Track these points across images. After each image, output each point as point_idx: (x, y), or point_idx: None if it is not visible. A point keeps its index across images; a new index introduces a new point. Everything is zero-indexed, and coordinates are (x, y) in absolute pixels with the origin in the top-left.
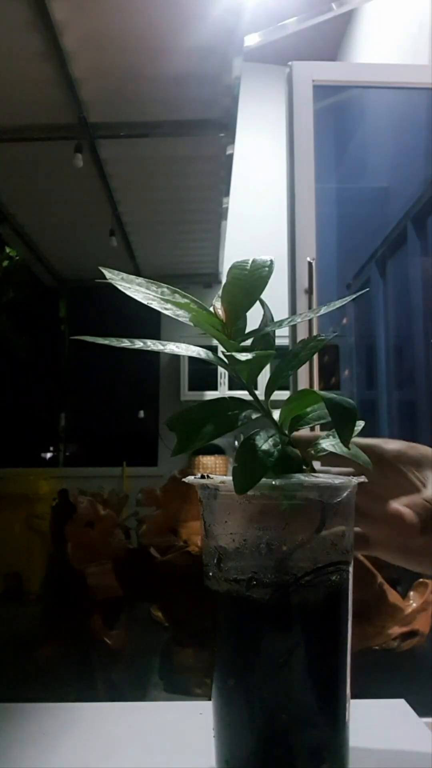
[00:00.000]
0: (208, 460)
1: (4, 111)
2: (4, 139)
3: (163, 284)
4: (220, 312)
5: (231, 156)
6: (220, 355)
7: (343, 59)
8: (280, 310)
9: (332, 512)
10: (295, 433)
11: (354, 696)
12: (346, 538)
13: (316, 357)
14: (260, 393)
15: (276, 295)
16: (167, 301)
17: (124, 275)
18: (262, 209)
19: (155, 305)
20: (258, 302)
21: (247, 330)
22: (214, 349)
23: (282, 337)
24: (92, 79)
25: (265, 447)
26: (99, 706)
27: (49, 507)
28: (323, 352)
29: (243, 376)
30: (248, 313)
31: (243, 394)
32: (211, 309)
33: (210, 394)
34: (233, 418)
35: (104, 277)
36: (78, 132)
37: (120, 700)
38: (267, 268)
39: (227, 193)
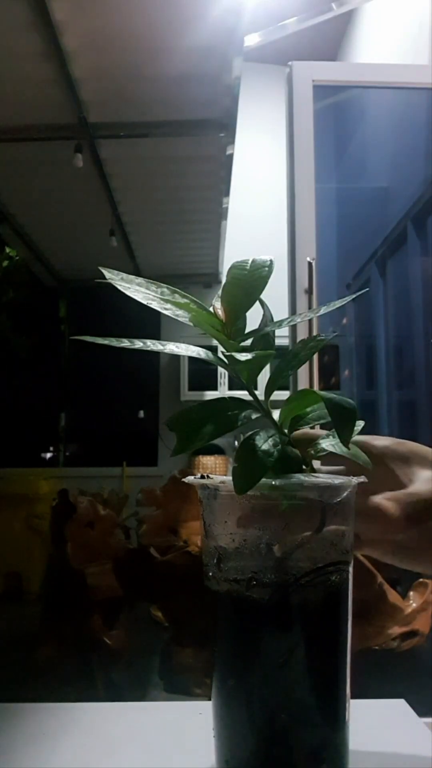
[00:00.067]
0: (208, 460)
1: (4, 111)
2: (4, 139)
3: (163, 284)
4: (220, 312)
5: (231, 156)
6: (220, 355)
7: (343, 59)
8: (280, 310)
9: (332, 512)
10: (295, 433)
11: (354, 696)
12: (346, 538)
13: (316, 357)
14: (260, 393)
15: (276, 295)
16: (167, 301)
17: (124, 275)
18: (262, 209)
19: (155, 305)
20: (258, 302)
21: (247, 330)
22: (214, 349)
23: (282, 337)
24: (92, 79)
25: (265, 447)
26: (99, 706)
27: (49, 507)
28: (323, 352)
29: (243, 376)
30: (248, 313)
31: (243, 394)
32: (211, 309)
33: (210, 394)
34: (233, 418)
35: (104, 277)
36: (78, 132)
37: (120, 700)
38: (267, 268)
39: (227, 193)
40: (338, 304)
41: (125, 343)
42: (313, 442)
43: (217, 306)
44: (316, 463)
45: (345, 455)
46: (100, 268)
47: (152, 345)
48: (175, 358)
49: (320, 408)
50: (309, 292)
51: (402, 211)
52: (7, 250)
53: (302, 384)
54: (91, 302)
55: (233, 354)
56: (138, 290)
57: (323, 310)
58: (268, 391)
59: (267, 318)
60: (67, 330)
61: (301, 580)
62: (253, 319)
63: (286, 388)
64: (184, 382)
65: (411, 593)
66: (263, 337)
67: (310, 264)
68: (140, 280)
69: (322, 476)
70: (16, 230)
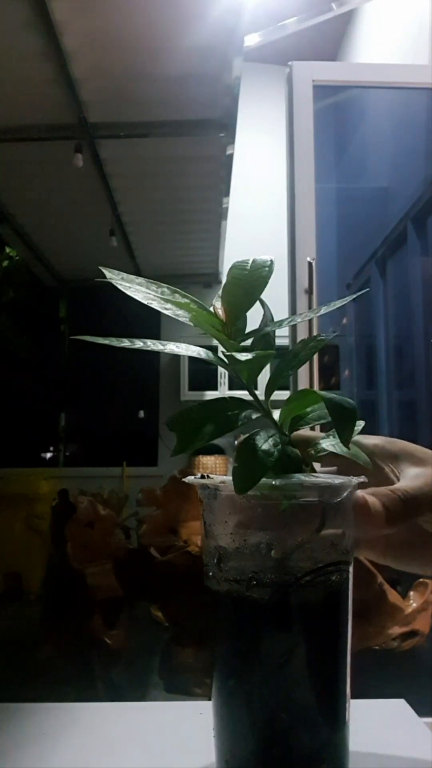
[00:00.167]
0: (208, 460)
1: (4, 111)
2: (4, 139)
3: (163, 284)
4: (220, 312)
5: (231, 156)
6: (220, 355)
7: (343, 59)
8: (280, 310)
9: (332, 512)
10: (295, 433)
11: (354, 696)
12: (346, 538)
13: (316, 357)
14: (260, 393)
15: (276, 295)
16: (167, 301)
17: (124, 275)
18: (262, 209)
19: (155, 305)
20: (258, 302)
21: (247, 330)
22: (214, 349)
23: (282, 337)
24: (92, 79)
25: (265, 447)
26: (99, 706)
27: (49, 507)
28: (323, 352)
29: (243, 376)
30: (248, 313)
31: (243, 394)
32: (211, 309)
33: (210, 394)
34: (233, 418)
35: (104, 277)
36: (78, 132)
37: (120, 700)
38: (267, 268)
39: (227, 193)
40: (338, 304)
41: (125, 343)
42: (311, 444)
43: (217, 306)
44: (317, 464)
45: (345, 455)
46: (101, 268)
47: (152, 345)
48: (175, 358)
49: (320, 408)
50: (309, 292)
51: (402, 211)
52: (7, 250)
53: (302, 384)
54: (91, 302)
55: (233, 354)
56: (138, 290)
57: (323, 310)
58: (269, 391)
59: (267, 318)
60: (67, 330)
61: (302, 580)
62: (254, 319)
63: (286, 388)
64: (184, 382)
65: (411, 593)
66: (263, 337)
67: (310, 264)
68: (140, 279)
69: (322, 476)
70: (16, 230)
